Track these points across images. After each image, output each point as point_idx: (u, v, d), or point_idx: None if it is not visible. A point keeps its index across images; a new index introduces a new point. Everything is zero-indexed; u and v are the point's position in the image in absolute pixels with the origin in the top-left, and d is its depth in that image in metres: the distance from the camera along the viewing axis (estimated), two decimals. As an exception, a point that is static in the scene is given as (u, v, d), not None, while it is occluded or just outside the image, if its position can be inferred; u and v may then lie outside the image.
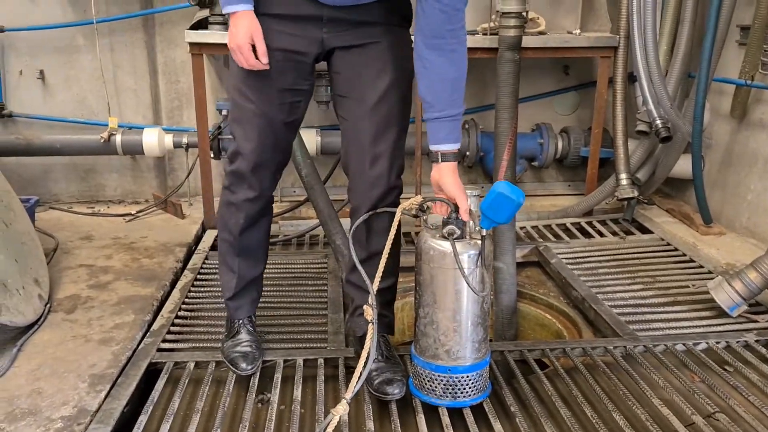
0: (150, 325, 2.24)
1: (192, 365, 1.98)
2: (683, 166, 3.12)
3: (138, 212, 3.34)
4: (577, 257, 2.86)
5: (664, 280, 2.61)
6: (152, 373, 1.97)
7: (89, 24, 3.27)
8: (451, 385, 1.72)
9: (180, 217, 3.30)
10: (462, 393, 1.73)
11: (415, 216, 1.73)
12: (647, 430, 1.66)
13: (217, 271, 2.63)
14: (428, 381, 1.74)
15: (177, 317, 2.30)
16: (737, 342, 2.12)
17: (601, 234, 3.14)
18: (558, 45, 3.16)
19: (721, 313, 2.29)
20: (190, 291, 2.51)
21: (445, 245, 1.63)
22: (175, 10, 3.34)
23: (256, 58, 1.63)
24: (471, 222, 1.66)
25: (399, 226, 1.72)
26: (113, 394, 1.82)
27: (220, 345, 2.01)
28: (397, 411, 1.76)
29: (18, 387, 1.84)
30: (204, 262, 2.78)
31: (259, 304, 2.07)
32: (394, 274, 1.90)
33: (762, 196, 2.85)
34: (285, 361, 2.00)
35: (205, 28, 3.02)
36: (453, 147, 1.68)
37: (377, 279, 1.64)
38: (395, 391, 1.77)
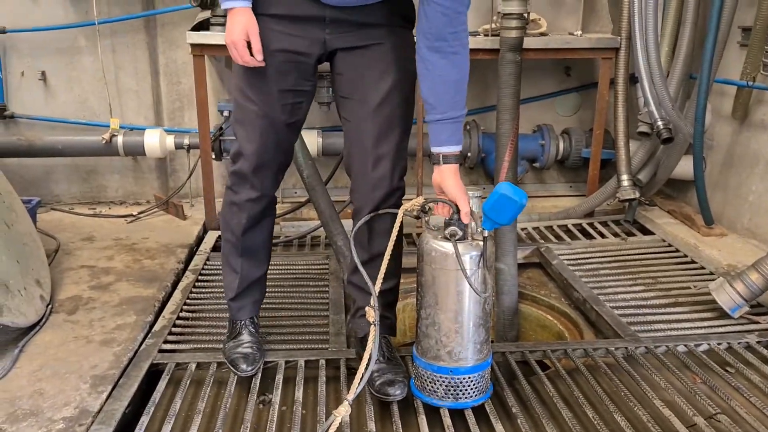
0: (151, 326, 2.24)
1: (193, 366, 1.99)
2: (684, 168, 3.12)
3: (139, 213, 3.34)
4: (579, 258, 2.86)
5: (665, 281, 2.61)
6: (154, 374, 1.97)
7: (91, 25, 3.27)
8: (452, 387, 1.72)
9: (181, 218, 3.30)
10: (464, 394, 1.73)
11: (417, 217, 1.73)
12: (648, 431, 1.66)
13: (218, 272, 2.65)
14: (430, 382, 1.74)
15: (178, 318, 2.30)
16: (739, 343, 2.12)
17: (602, 235, 3.14)
18: (559, 46, 3.16)
19: (723, 315, 2.29)
20: (191, 292, 2.51)
21: (447, 246, 1.63)
22: (177, 11, 3.35)
23: (252, 55, 1.64)
24: (473, 223, 1.66)
25: (401, 227, 1.72)
26: (115, 395, 1.82)
27: (221, 346, 2.01)
28: (399, 412, 1.76)
29: (19, 388, 1.84)
30: (205, 263, 2.79)
31: (261, 305, 2.07)
32: (396, 275, 1.90)
33: (763, 197, 2.85)
34: (286, 362, 2.00)
35: (207, 29, 3.02)
36: (455, 149, 1.68)
37: (379, 280, 1.64)
38: (397, 392, 1.77)
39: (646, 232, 3.18)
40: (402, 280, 1.99)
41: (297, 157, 2.68)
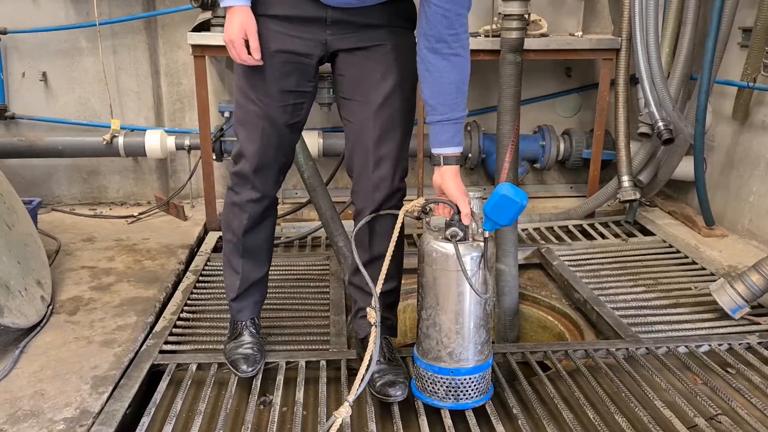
0: (152, 326, 2.24)
1: (194, 367, 1.99)
2: (685, 168, 3.12)
3: (140, 214, 3.34)
4: (579, 259, 2.86)
5: (666, 282, 2.61)
6: (154, 374, 1.97)
7: (92, 26, 3.28)
8: (453, 387, 1.72)
9: (182, 219, 3.31)
10: (464, 395, 1.73)
11: (418, 218, 1.73)
12: (650, 432, 1.67)
13: (219, 273, 2.65)
14: (431, 383, 1.74)
15: (179, 319, 2.30)
16: (739, 344, 2.12)
17: (603, 236, 3.14)
18: (560, 47, 3.16)
19: (724, 316, 2.29)
20: (192, 293, 2.51)
21: (448, 247, 1.63)
22: (178, 12, 3.35)
23: (250, 53, 1.64)
24: (473, 224, 1.66)
25: (402, 228, 1.72)
26: (115, 395, 1.82)
27: (222, 347, 2.01)
28: (400, 413, 1.76)
29: (20, 388, 1.85)
30: (206, 264, 2.79)
31: (262, 306, 2.07)
32: (396, 276, 1.90)
33: (764, 198, 2.85)
34: (287, 362, 2.01)
35: (208, 30, 3.02)
36: (455, 150, 1.68)
37: (380, 281, 1.64)
38: (397, 393, 1.77)
39: (646, 233, 3.18)
40: (403, 281, 1.98)
41: (298, 158, 2.68)
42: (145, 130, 3.37)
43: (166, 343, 2.13)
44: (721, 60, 2.80)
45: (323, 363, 2.00)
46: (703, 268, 2.71)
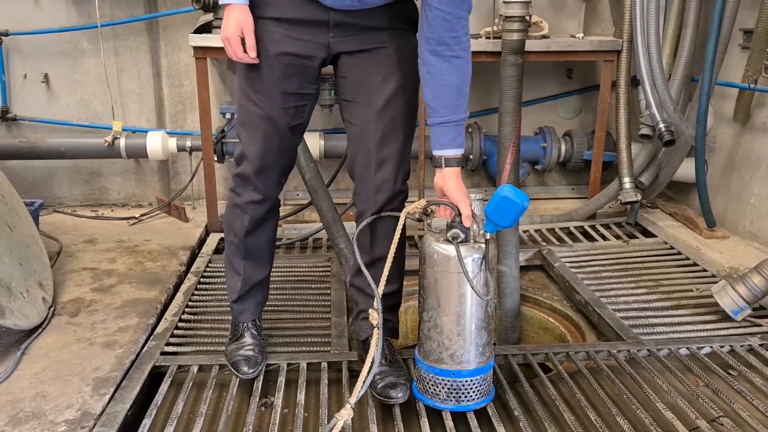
0: (154, 328, 2.24)
1: (195, 369, 1.99)
2: (686, 170, 3.12)
3: (142, 215, 3.35)
4: (581, 261, 2.86)
5: (667, 283, 2.61)
6: (156, 376, 1.97)
7: (93, 28, 3.28)
8: (454, 389, 1.72)
9: (183, 221, 3.31)
10: (466, 397, 1.73)
11: (419, 220, 1.73)
12: (651, 434, 1.66)
13: (220, 274, 2.65)
14: (432, 385, 1.74)
15: (180, 320, 2.31)
16: (741, 346, 2.12)
17: (604, 237, 3.14)
18: (561, 49, 3.16)
19: (725, 317, 2.28)
20: (193, 294, 2.52)
21: (449, 249, 1.63)
22: (179, 14, 3.36)
23: (246, 51, 1.65)
24: (475, 226, 1.66)
25: (403, 230, 1.72)
26: (117, 397, 1.82)
27: (223, 348, 2.01)
28: (401, 415, 1.75)
29: (22, 390, 1.85)
30: (207, 266, 2.79)
31: (264, 308, 2.08)
32: (398, 278, 1.90)
33: (765, 200, 2.85)
34: (288, 364, 2.01)
35: (209, 31, 3.03)
36: (457, 152, 1.68)
37: (382, 283, 1.63)
38: (399, 395, 1.77)
39: (648, 234, 3.18)
40: (404, 283, 1.98)
41: (299, 160, 2.68)
42: (146, 132, 3.37)
43: (168, 344, 2.13)
44: (722, 62, 2.80)
45: (324, 365, 2.00)
46: (705, 270, 2.71)
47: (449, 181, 1.66)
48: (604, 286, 2.60)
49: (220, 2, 1.67)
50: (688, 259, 2.83)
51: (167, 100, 3.56)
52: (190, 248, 2.95)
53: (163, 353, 2.07)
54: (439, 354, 1.72)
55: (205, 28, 3.04)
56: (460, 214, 1.64)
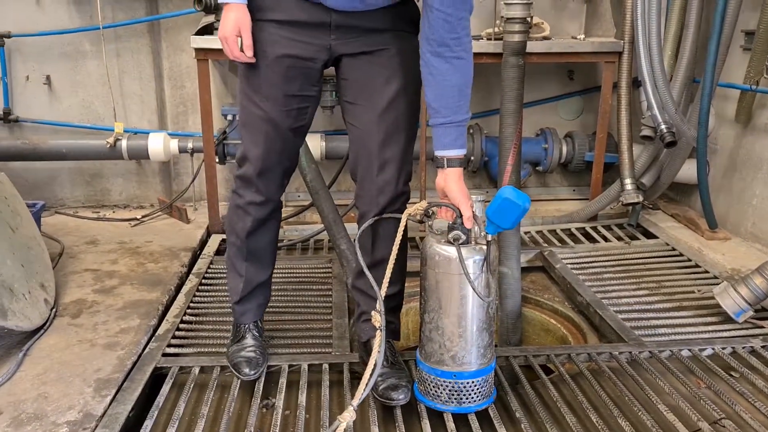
0: (155, 329, 2.24)
1: (197, 370, 1.99)
2: (688, 171, 3.12)
3: (143, 217, 3.35)
4: (582, 262, 2.86)
5: (669, 285, 2.61)
6: (157, 377, 1.98)
7: (95, 30, 3.29)
8: (456, 391, 1.72)
9: (185, 222, 3.31)
10: (467, 399, 1.73)
11: (420, 221, 1.73)
12: (653, 436, 1.66)
13: (222, 275, 2.66)
14: (433, 386, 1.74)
15: (182, 322, 2.31)
16: (743, 348, 2.11)
17: (605, 239, 3.13)
18: (562, 50, 3.16)
19: (727, 319, 2.28)
20: (195, 295, 2.52)
21: (451, 250, 1.63)
22: (181, 16, 3.36)
23: (242, 50, 1.65)
24: (476, 227, 1.66)
25: (405, 231, 1.72)
26: (119, 398, 1.82)
27: (225, 349, 2.01)
28: (402, 416, 1.75)
29: (24, 391, 1.85)
30: (209, 267, 2.79)
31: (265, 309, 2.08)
32: (400, 280, 1.90)
33: (767, 201, 2.85)
34: (290, 366, 2.01)
35: (211, 33, 3.03)
36: (459, 152, 1.68)
37: (384, 285, 1.63)
38: (400, 397, 1.77)
39: (649, 235, 3.18)
40: (405, 284, 1.98)
41: (300, 161, 2.68)
42: (148, 133, 3.38)
43: (169, 346, 2.13)
44: (723, 63, 2.79)
45: (326, 366, 2.00)
46: (707, 271, 2.70)
47: (451, 181, 1.66)
48: (606, 288, 2.59)
49: (218, 1, 1.67)
50: (689, 260, 2.83)
51: (169, 101, 3.57)
52: (192, 249, 2.95)
53: (164, 354, 2.07)
54: (440, 355, 1.71)
55: (207, 30, 3.05)
56: (461, 216, 1.64)
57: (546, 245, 3.08)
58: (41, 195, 3.43)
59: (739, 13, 2.69)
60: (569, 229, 3.27)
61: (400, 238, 1.69)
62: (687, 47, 2.90)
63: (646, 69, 2.82)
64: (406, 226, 1.72)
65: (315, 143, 3.33)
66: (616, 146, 3.27)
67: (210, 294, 2.55)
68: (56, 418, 1.72)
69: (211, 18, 3.05)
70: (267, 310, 2.09)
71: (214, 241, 3.10)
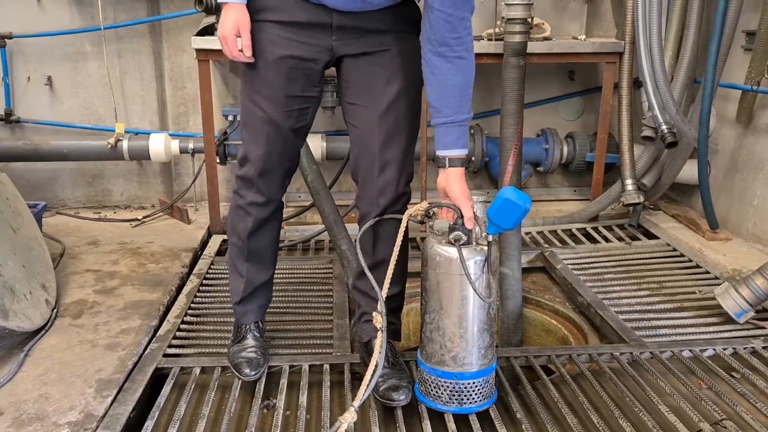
0: (156, 330, 2.24)
1: (198, 371, 1.99)
2: (689, 172, 3.12)
3: (144, 217, 3.35)
4: (583, 263, 2.85)
5: (670, 285, 2.61)
6: (158, 378, 1.98)
7: (96, 30, 3.29)
8: (457, 392, 1.72)
9: (186, 222, 3.31)
10: (468, 399, 1.73)
11: (421, 222, 1.73)
12: (654, 437, 1.66)
13: (223, 276, 2.66)
14: (434, 387, 1.74)
15: (183, 322, 2.31)
16: (744, 348, 2.11)
17: (606, 239, 3.13)
18: (563, 51, 3.16)
19: (728, 320, 2.28)
20: (196, 296, 2.52)
21: (452, 251, 1.63)
22: (182, 16, 3.37)
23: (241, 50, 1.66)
24: (477, 228, 1.66)
25: (406, 232, 1.72)
26: (120, 399, 1.83)
27: (226, 350, 2.01)
28: (403, 417, 1.75)
29: (25, 392, 1.85)
30: (210, 267, 2.79)
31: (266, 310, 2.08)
32: (401, 281, 1.90)
33: (768, 202, 2.85)
34: (291, 366, 2.01)
35: (211, 34, 3.03)
36: (460, 152, 1.68)
37: (385, 286, 1.63)
38: (401, 398, 1.76)
39: (650, 236, 3.18)
40: (406, 284, 1.98)
41: (301, 161, 2.68)
42: (149, 134, 3.38)
43: (170, 346, 2.13)
44: (724, 63, 2.79)
45: (327, 367, 2.00)
46: (708, 272, 2.70)
47: (452, 181, 1.66)
48: (607, 288, 2.59)
49: (218, 1, 1.67)
50: (690, 261, 2.83)
51: (170, 102, 3.57)
52: (193, 250, 2.95)
53: (165, 355, 2.07)
54: (441, 356, 1.71)
55: (208, 31, 3.05)
56: (462, 216, 1.64)
57: (547, 246, 3.08)
58: (42, 195, 3.44)
59: (740, 14, 2.69)
60: (570, 230, 3.27)
61: (401, 238, 1.69)
62: (688, 47, 2.90)
63: (647, 69, 2.82)
64: (407, 226, 1.71)
65: (316, 144, 3.33)
66: (617, 147, 3.27)
67: (211, 294, 2.55)
68: (57, 419, 1.72)
69: (211, 19, 3.05)
70: (268, 310, 2.09)
71: (215, 241, 3.10)
